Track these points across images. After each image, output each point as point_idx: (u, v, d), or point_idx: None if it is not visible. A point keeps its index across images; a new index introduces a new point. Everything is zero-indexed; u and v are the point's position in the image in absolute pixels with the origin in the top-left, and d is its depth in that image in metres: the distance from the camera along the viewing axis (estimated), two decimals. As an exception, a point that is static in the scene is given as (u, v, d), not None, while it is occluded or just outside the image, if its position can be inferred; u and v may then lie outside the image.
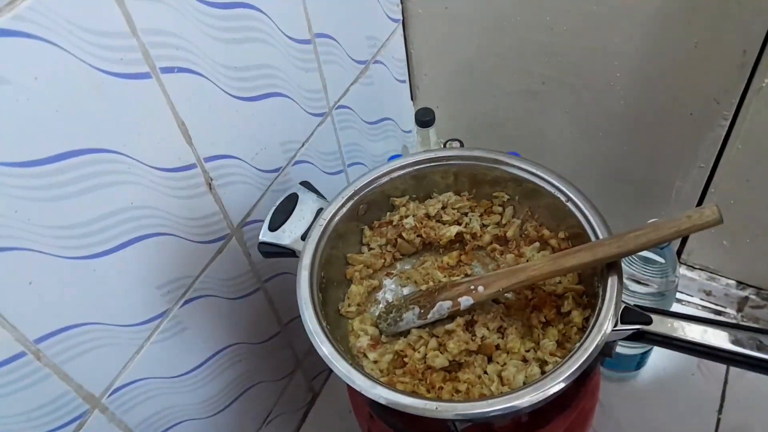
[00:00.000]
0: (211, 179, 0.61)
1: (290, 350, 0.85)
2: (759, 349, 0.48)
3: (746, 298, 0.94)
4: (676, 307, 0.97)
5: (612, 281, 0.53)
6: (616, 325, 0.51)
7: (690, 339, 0.50)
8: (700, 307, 0.97)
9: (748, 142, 0.77)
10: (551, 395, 0.49)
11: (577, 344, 0.51)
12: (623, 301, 0.53)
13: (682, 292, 0.99)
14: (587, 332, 0.51)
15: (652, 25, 0.73)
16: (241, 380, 0.76)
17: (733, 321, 0.95)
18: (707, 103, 0.76)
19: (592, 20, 0.75)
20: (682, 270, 0.97)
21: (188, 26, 0.53)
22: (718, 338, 0.49)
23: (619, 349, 0.83)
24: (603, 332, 0.50)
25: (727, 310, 0.96)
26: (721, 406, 0.86)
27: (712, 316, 0.96)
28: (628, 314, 0.52)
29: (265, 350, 0.79)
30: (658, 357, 0.90)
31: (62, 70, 0.44)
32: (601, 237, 0.57)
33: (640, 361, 0.87)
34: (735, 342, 0.49)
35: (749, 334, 0.49)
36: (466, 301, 0.57)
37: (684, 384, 0.89)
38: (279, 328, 0.81)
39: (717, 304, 0.97)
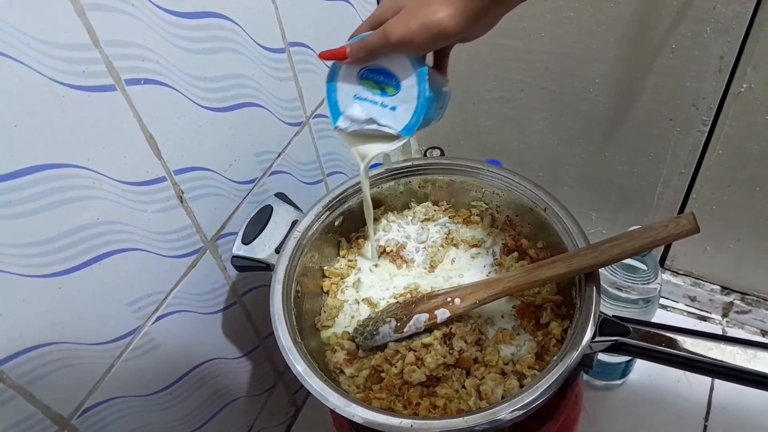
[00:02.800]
0: (182, 192, 0.59)
1: (270, 364, 0.84)
2: (736, 360, 0.47)
3: (731, 303, 0.93)
4: (661, 314, 0.97)
5: (590, 292, 0.52)
6: (594, 337, 0.50)
7: (668, 350, 0.49)
8: (685, 313, 0.97)
9: (728, 147, 0.76)
10: (530, 409, 0.48)
11: (555, 357, 0.50)
12: (601, 312, 0.52)
13: (666, 298, 0.98)
14: (565, 344, 0.50)
15: (629, 31, 0.72)
16: (220, 396, 0.74)
17: (714, 330, 0.95)
18: (686, 109, 0.75)
19: (570, 26, 0.75)
20: (667, 276, 0.96)
21: (155, 37, 0.52)
22: (697, 349, 0.48)
23: (603, 358, 0.83)
24: (580, 344, 0.49)
25: (713, 316, 0.96)
26: (708, 413, 0.86)
27: (697, 321, 0.96)
28: (606, 325, 0.51)
29: (244, 365, 0.78)
30: (644, 365, 0.89)
31: (20, 84, 0.43)
32: (578, 246, 0.56)
33: (625, 369, 0.86)
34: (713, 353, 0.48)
35: (728, 345, 0.48)
36: (442, 313, 0.56)
37: (670, 391, 0.88)
38: (258, 342, 0.79)
39: (702, 310, 0.97)
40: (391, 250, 0.66)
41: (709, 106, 0.74)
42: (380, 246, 0.66)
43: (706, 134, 0.77)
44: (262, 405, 0.85)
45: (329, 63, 0.54)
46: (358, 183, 0.65)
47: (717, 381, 0.88)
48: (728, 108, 0.73)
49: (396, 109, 0.52)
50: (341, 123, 0.55)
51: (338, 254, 0.68)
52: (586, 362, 0.54)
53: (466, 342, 0.57)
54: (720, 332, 0.94)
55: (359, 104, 0.54)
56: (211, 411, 0.73)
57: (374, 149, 0.55)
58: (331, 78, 0.55)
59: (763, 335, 0.93)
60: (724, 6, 0.66)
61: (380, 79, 0.52)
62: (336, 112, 0.55)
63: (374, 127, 0.53)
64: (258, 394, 0.83)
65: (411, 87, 0.51)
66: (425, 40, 0.46)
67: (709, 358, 0.48)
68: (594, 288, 0.52)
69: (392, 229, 0.68)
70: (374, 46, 0.49)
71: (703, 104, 0.74)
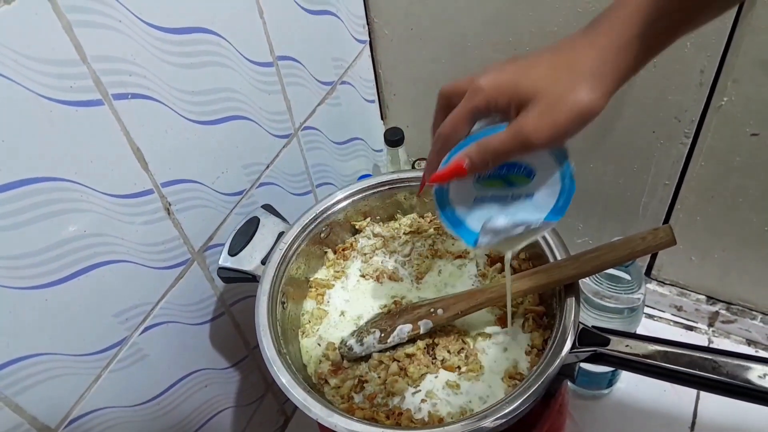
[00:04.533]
0: (170, 204, 0.60)
1: (259, 374, 0.84)
2: (714, 370, 0.48)
3: (717, 313, 0.94)
4: (648, 323, 0.98)
5: (569, 303, 0.53)
6: (573, 347, 0.51)
7: (646, 360, 0.50)
8: (671, 323, 0.98)
9: (711, 159, 0.78)
10: (510, 419, 0.49)
11: (535, 367, 0.50)
12: (581, 323, 0.53)
13: (653, 308, 0.99)
14: (544, 355, 0.51)
15: (612, 45, 0.73)
16: (208, 406, 0.75)
17: (700, 340, 0.96)
18: (668, 121, 0.76)
19: (554, 39, 0.75)
20: (653, 285, 0.97)
21: (142, 52, 0.53)
22: (674, 360, 0.49)
23: (589, 368, 0.84)
24: (559, 355, 0.50)
25: (699, 325, 0.97)
26: (693, 422, 0.86)
27: (683, 331, 0.97)
28: (585, 336, 0.52)
29: (233, 375, 0.78)
30: (630, 374, 0.89)
31: (8, 100, 0.43)
32: (559, 258, 0.57)
33: (612, 378, 0.87)
34: (690, 364, 0.49)
35: (705, 355, 0.49)
36: (425, 324, 0.57)
37: (656, 401, 0.89)
38: (247, 352, 0.80)
39: (688, 320, 0.97)
40: (371, 278, 0.67)
41: (691, 118, 0.75)
42: (361, 275, 0.67)
43: (689, 146, 0.78)
44: (251, 415, 0.85)
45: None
46: (345, 195, 0.66)
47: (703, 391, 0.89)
48: (710, 121, 0.74)
49: (533, 196, 0.46)
50: (483, 240, 0.46)
51: (324, 265, 0.68)
52: (568, 372, 0.54)
53: (449, 351, 0.58)
54: (706, 341, 0.95)
55: (487, 208, 0.46)
56: (200, 421, 0.74)
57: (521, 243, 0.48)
58: (442, 203, 0.47)
59: (749, 344, 0.94)
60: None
61: (502, 173, 0.45)
62: (459, 225, 0.47)
63: (521, 229, 0.45)
64: (247, 404, 0.84)
65: (549, 172, 0.44)
66: (576, 130, 0.39)
67: (685, 368, 0.49)
68: (573, 299, 0.53)
69: (375, 254, 0.69)
70: (508, 151, 0.40)
71: (685, 117, 0.75)
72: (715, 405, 0.87)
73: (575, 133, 0.40)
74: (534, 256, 0.62)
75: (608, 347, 0.51)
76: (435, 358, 0.57)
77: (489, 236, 0.46)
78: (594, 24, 0.40)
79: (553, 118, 0.38)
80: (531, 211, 0.46)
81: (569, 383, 0.88)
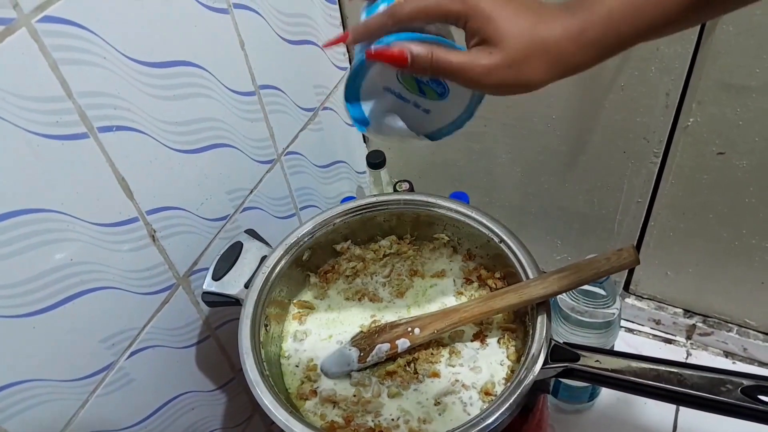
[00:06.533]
0: (155, 231, 0.62)
1: (246, 396, 0.85)
2: (679, 383, 0.50)
3: (694, 326, 0.96)
4: (627, 337, 1.00)
5: (541, 320, 0.55)
6: (545, 363, 0.53)
7: (615, 375, 0.52)
8: (650, 336, 1.00)
9: (680, 177, 0.80)
10: (487, 434, 0.50)
11: (508, 383, 0.52)
12: (553, 339, 0.55)
13: (632, 322, 1.01)
14: (517, 371, 0.53)
15: (581, 70, 0.76)
16: (196, 428, 0.76)
17: (678, 352, 0.98)
18: (637, 142, 0.79)
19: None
20: (632, 300, 1.00)
21: (126, 86, 0.55)
22: (642, 374, 0.51)
23: (570, 382, 0.85)
24: (531, 371, 0.52)
25: (677, 339, 0.99)
26: (673, 433, 0.88)
27: (662, 344, 0.99)
28: (556, 352, 0.54)
29: (220, 397, 0.79)
30: (611, 387, 0.92)
31: (-5, 135, 0.45)
32: (531, 276, 0.59)
33: (593, 392, 0.89)
34: (657, 378, 0.51)
35: (671, 369, 0.51)
36: (403, 343, 0.59)
37: (637, 413, 0.91)
38: (233, 374, 0.81)
39: (667, 333, 1.00)
40: (352, 299, 0.69)
41: (659, 139, 0.78)
42: (342, 297, 0.69)
43: (659, 165, 0.81)
44: (238, 436, 0.86)
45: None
46: (325, 219, 0.68)
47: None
48: (678, 141, 0.77)
49: (430, 113, 0.48)
50: (371, 129, 0.50)
51: (306, 288, 0.70)
52: (542, 387, 0.56)
53: (431, 362, 0.60)
54: (685, 354, 0.98)
55: (389, 101, 0.48)
56: (187, 443, 0.75)
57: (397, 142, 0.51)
58: (357, 75, 0.46)
59: (726, 356, 0.96)
60: (667, 47, 0.70)
61: (425, 80, 0.46)
62: (356, 103, 0.48)
63: (404, 134, 0.50)
64: (234, 425, 0.85)
65: (459, 101, 0.47)
66: (513, 94, 0.42)
67: (652, 381, 0.51)
68: (545, 316, 0.55)
69: (356, 276, 0.71)
70: (453, 73, 0.41)
71: (653, 137, 0.78)
72: (694, 417, 0.89)
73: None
74: (509, 275, 0.64)
75: (578, 363, 0.53)
76: (417, 372, 0.59)
77: (376, 129, 0.49)
78: (574, 10, 0.39)
79: (505, 77, 0.39)
80: (422, 123, 0.49)
81: (551, 397, 0.90)
